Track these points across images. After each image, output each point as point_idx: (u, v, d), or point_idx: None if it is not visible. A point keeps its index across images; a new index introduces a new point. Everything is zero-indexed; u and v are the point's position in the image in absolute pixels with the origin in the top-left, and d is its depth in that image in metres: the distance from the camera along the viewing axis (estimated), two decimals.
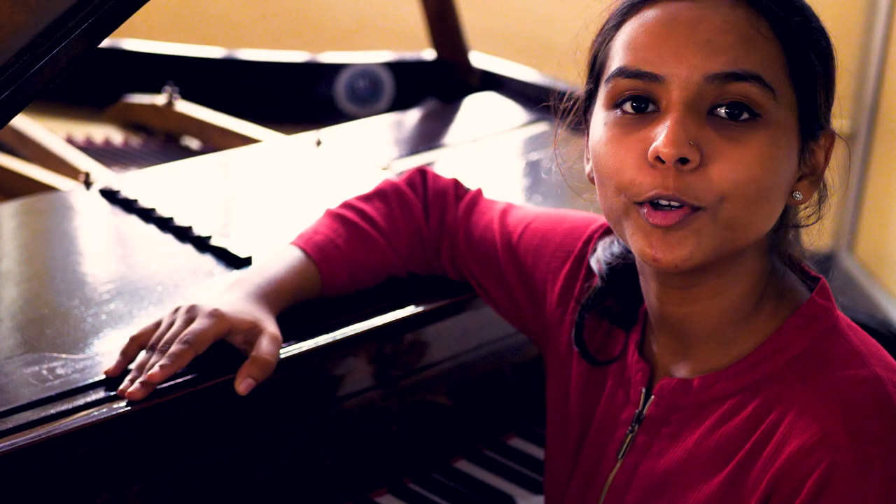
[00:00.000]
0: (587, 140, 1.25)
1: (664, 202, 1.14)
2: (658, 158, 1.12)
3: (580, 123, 1.29)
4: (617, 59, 1.18)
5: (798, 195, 1.20)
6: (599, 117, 1.20)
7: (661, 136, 1.13)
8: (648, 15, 1.17)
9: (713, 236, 1.15)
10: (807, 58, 1.16)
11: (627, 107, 1.17)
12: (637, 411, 1.29)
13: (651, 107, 1.16)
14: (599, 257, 1.37)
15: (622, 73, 1.17)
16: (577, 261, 1.43)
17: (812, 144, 1.19)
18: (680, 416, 1.25)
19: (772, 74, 1.14)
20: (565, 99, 1.32)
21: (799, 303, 1.22)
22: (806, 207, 1.24)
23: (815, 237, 1.28)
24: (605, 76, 1.20)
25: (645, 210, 1.15)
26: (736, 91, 1.13)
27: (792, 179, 1.18)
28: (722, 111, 1.14)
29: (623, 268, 1.33)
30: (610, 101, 1.18)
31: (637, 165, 1.15)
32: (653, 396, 1.27)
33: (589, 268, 1.40)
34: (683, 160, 1.12)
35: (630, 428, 1.29)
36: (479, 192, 1.63)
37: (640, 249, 1.18)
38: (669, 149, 1.12)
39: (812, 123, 1.18)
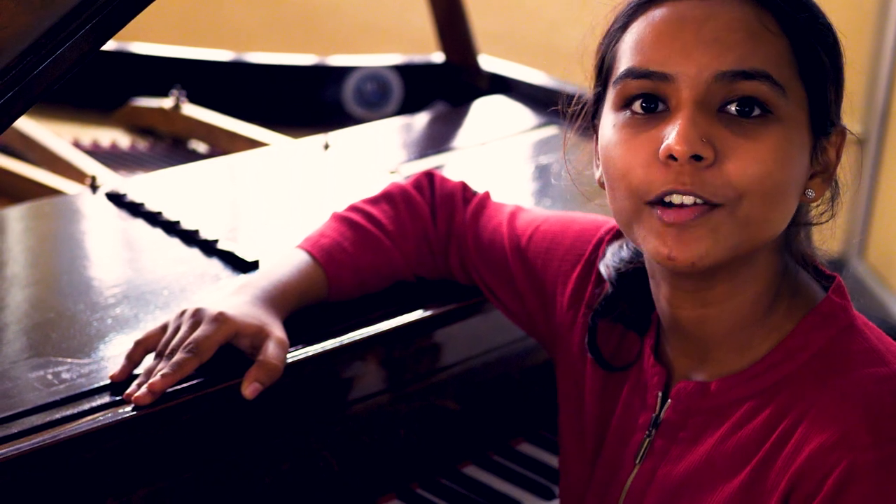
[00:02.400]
0: (596, 145, 1.24)
1: (677, 200, 1.13)
2: (671, 157, 1.11)
3: (589, 128, 1.28)
4: (625, 60, 1.17)
5: (811, 193, 1.19)
6: (608, 120, 1.19)
7: (672, 134, 1.12)
8: (655, 14, 1.16)
9: (730, 234, 1.14)
10: (815, 54, 1.15)
11: (637, 106, 1.16)
12: (654, 415, 1.28)
13: (661, 106, 1.15)
14: (608, 262, 1.35)
15: (631, 73, 1.16)
16: (587, 264, 1.42)
17: (823, 142, 1.19)
18: (697, 420, 1.24)
19: (781, 71, 1.13)
20: (574, 103, 1.31)
21: (814, 301, 1.22)
22: (818, 206, 1.23)
23: (826, 240, 1.27)
24: (614, 78, 1.19)
25: (658, 210, 1.14)
26: (745, 89, 1.12)
27: (805, 177, 1.18)
28: (732, 108, 1.13)
29: (633, 272, 1.32)
30: (619, 103, 1.18)
31: (647, 164, 1.14)
32: (670, 400, 1.26)
33: (600, 271, 1.39)
34: (697, 157, 1.11)
35: (647, 432, 1.28)
36: (486, 195, 1.62)
37: (653, 249, 1.16)
38: (682, 146, 1.11)
39: (823, 120, 1.17)
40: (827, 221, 1.24)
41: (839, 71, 1.19)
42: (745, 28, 1.13)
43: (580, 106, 1.30)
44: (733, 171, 1.12)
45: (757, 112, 1.13)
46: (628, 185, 1.16)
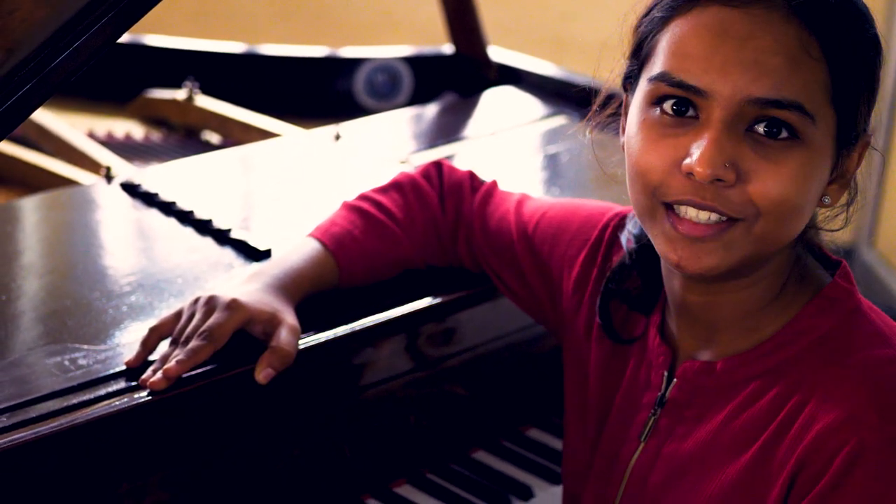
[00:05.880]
0: (624, 116, 1.25)
1: (693, 213, 1.14)
2: (691, 174, 1.13)
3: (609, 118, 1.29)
4: (663, 58, 1.16)
5: (827, 199, 1.20)
6: (638, 111, 1.19)
7: (696, 153, 1.12)
8: (700, 19, 1.15)
9: (743, 247, 1.15)
10: (853, 79, 1.15)
11: (667, 107, 1.16)
12: (659, 394, 1.29)
13: (691, 111, 1.15)
14: (630, 233, 1.37)
15: (665, 79, 1.15)
16: (593, 249, 1.43)
17: (847, 151, 1.19)
18: (703, 399, 1.25)
19: (813, 99, 1.13)
20: (598, 100, 1.31)
21: (821, 285, 1.23)
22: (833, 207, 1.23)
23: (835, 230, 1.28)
24: (649, 72, 1.18)
25: (672, 219, 1.16)
26: (775, 115, 1.12)
27: (823, 188, 1.18)
28: (760, 128, 1.13)
29: (650, 247, 1.31)
30: (650, 99, 1.17)
31: (668, 170, 1.15)
32: (675, 379, 1.27)
33: (605, 255, 1.41)
34: (719, 179, 1.13)
35: (652, 411, 1.29)
36: (494, 183, 1.64)
37: (663, 252, 1.18)
38: (704, 169, 1.12)
39: (849, 135, 1.17)
40: (841, 228, 1.25)
41: (874, 84, 1.18)
42: (785, 52, 1.12)
43: (605, 100, 1.31)
44: (754, 193, 1.13)
45: (784, 135, 1.13)
46: (646, 184, 1.17)
